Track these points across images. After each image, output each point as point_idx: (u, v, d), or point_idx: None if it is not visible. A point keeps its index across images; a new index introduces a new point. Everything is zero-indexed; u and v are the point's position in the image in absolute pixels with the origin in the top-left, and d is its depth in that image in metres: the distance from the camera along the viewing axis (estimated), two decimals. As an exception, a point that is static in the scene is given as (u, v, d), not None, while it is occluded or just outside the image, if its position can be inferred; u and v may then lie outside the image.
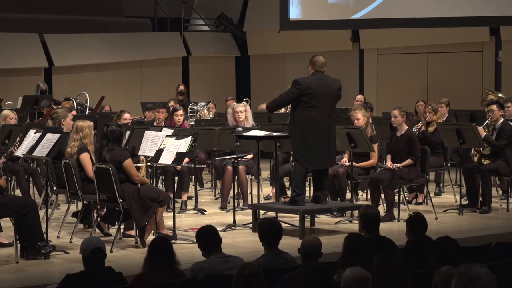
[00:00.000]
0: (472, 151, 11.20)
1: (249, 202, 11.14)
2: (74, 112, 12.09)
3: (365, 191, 11.68)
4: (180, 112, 11.96)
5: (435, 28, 16.82)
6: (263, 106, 9.64)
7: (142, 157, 10.60)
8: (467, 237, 9.08)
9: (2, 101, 14.27)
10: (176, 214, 9.39)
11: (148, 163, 10.40)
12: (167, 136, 9.53)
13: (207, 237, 6.13)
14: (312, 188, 10.41)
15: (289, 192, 10.61)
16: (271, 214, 10.10)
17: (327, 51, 19.09)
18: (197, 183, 12.00)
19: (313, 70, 9.55)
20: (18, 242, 8.16)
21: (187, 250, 8.30)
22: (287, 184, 11.61)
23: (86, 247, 5.75)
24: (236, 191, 10.91)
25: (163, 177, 11.18)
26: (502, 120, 10.99)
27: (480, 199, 10.94)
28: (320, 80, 9.49)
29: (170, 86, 17.84)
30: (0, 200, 8.16)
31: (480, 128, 10.80)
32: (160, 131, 10.23)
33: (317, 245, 5.91)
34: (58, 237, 9.20)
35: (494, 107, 11.01)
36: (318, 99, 9.37)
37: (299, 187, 9.55)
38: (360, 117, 10.83)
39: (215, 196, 12.43)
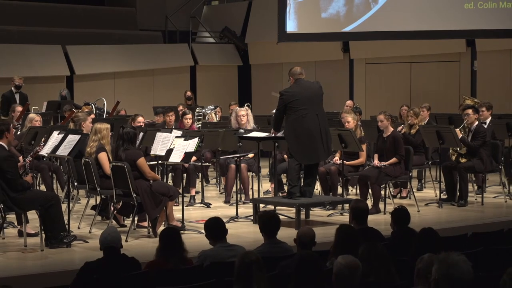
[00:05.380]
0: (451, 151, 11.18)
1: (250, 197, 11.13)
2: (92, 116, 12.06)
3: (355, 186, 11.66)
4: (189, 116, 11.99)
5: (417, 40, 16.82)
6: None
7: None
8: (446, 228, 9.05)
9: (29, 106, 14.23)
10: (184, 207, 9.38)
11: (159, 161, 10.40)
12: (176, 137, 9.53)
13: (215, 227, 6.13)
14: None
15: (286, 188, 10.60)
16: (270, 207, 10.09)
17: (320, 61, 19.17)
18: (204, 180, 11.98)
19: (293, 79, 9.58)
20: (43, 232, 8.17)
21: (194, 240, 8.27)
22: (284, 180, 11.59)
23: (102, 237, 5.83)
24: (238, 187, 10.90)
25: (173, 174, 11.18)
26: (477, 123, 10.97)
27: (458, 193, 10.92)
28: (302, 86, 9.51)
29: (179, 92, 17.83)
30: (27, 195, 8.16)
31: (458, 130, 10.79)
32: (170, 132, 10.22)
33: (311, 235, 5.91)
34: (78, 228, 9.19)
35: (470, 111, 11.00)
36: (304, 102, 9.36)
37: (293, 180, 9.58)
38: (350, 120, 10.82)
39: (219, 191, 12.41)
